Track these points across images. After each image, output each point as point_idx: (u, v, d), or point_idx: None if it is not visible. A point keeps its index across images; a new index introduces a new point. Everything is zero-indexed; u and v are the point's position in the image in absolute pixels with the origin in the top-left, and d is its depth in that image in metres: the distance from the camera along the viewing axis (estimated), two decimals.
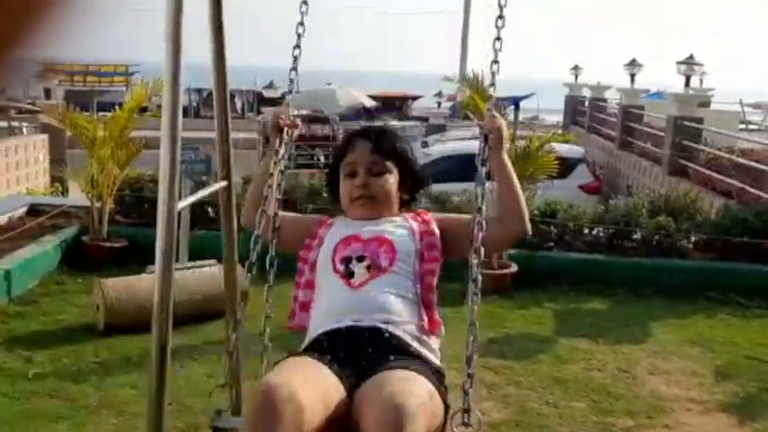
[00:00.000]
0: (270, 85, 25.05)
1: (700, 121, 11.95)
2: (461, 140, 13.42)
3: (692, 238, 7.10)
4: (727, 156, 10.59)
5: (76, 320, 5.37)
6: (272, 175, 2.31)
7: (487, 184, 2.26)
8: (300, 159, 17.31)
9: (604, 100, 19.42)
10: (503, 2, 2.27)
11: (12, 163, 11.22)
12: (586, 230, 7.28)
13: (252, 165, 10.66)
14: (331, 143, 17.19)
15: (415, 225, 2.20)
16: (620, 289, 6.56)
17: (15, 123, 16.25)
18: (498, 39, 2.26)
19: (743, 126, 19.79)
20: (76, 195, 8.81)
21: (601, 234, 7.27)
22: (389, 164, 2.24)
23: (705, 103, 14.73)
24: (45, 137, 12.43)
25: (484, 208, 2.08)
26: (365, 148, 2.23)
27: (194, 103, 28.26)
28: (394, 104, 30.13)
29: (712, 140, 11.86)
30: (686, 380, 4.83)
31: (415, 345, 1.98)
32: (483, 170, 2.18)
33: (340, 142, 2.59)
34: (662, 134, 12.64)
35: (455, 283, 6.45)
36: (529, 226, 2.24)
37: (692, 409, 4.43)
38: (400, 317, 1.99)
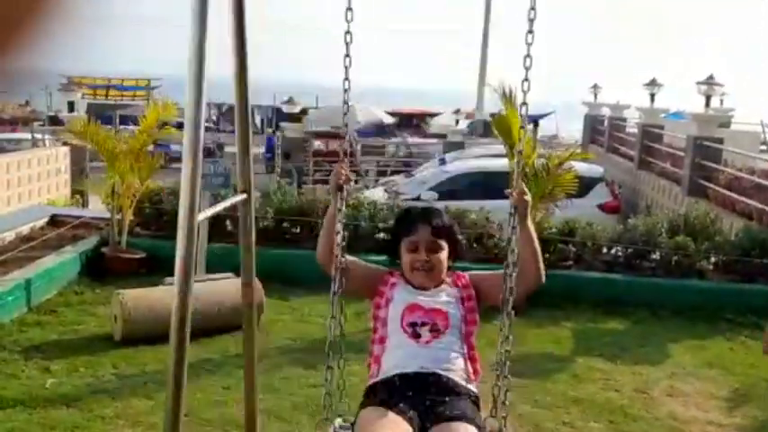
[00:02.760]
0: (289, 101, 25.18)
1: (720, 141, 11.86)
2: (480, 158, 13.38)
3: (712, 259, 7.04)
4: (747, 176, 10.50)
5: (94, 331, 5.41)
6: (338, 232, 2.69)
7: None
8: (318, 175, 17.38)
9: (624, 119, 19.31)
10: (531, 15, 2.50)
11: (34, 174, 11.35)
12: (605, 250, 7.24)
13: (271, 180, 10.72)
14: (349, 159, 17.18)
15: (458, 292, 2.72)
16: (638, 309, 6.51)
17: (38, 135, 16.47)
18: (528, 56, 2.54)
19: (764, 147, 19.62)
20: (97, 207, 8.90)
21: (619, 253, 7.23)
22: (443, 242, 2.72)
23: (725, 124, 14.60)
24: (67, 149, 12.57)
25: (512, 267, 2.52)
26: (426, 230, 2.70)
27: (213, 117, 28.48)
28: (412, 121, 30.22)
29: (732, 161, 11.78)
30: (704, 402, 4.78)
31: (463, 385, 2.59)
32: (513, 237, 2.56)
33: (401, 216, 3.00)
34: (681, 154, 12.56)
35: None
36: (543, 277, 2.70)
37: None
38: (454, 367, 2.58)
